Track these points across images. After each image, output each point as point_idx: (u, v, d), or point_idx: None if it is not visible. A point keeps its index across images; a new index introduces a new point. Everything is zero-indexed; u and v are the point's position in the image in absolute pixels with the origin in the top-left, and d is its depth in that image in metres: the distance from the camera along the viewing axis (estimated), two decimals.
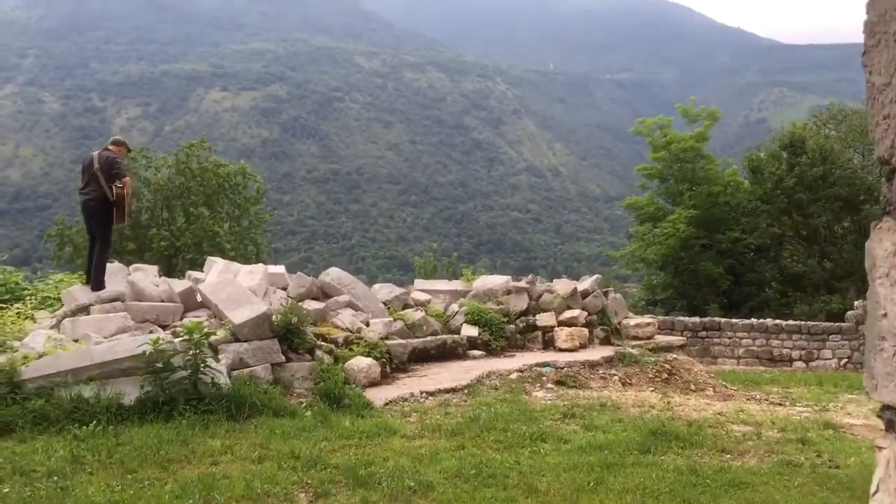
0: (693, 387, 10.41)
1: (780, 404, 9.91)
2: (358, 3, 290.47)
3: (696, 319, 18.58)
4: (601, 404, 7.99)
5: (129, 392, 6.87)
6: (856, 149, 29.86)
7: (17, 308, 9.15)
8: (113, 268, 9.78)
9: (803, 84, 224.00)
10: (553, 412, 7.51)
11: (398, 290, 11.03)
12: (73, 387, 6.77)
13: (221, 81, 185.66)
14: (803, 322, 18.64)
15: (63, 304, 9.07)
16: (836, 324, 18.13)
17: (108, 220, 9.17)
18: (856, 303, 18.38)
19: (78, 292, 8.88)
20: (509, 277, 11.89)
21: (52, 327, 8.22)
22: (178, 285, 9.16)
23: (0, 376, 6.71)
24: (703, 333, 18.12)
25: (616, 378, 9.92)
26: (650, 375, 10.32)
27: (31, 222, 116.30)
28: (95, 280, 9.00)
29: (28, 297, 9.98)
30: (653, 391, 9.70)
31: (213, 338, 7.53)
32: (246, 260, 30.25)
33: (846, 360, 17.50)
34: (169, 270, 29.31)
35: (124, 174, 9.06)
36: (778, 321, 18.55)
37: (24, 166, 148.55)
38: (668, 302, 27.45)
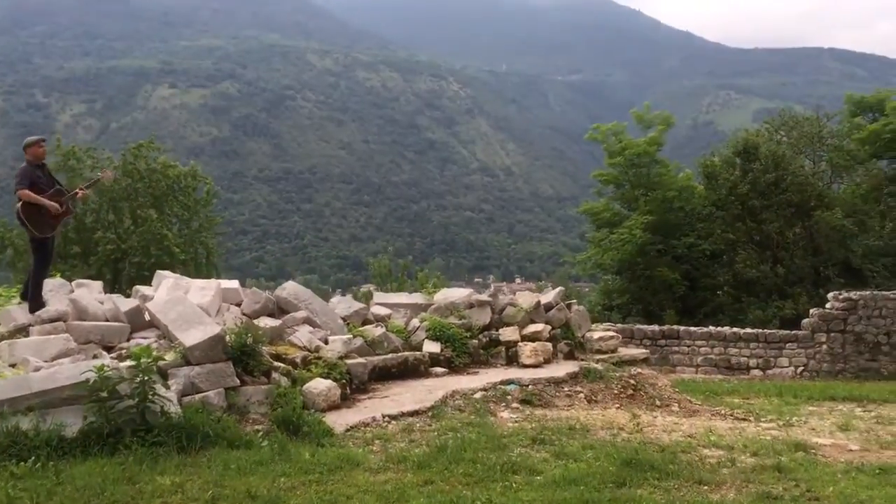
0: (658, 402, 10.26)
1: (746, 420, 9.82)
2: (310, 0, 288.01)
3: (656, 328, 18.59)
4: (570, 427, 7.75)
5: (72, 423, 6.39)
6: (807, 155, 30.37)
7: None
8: (55, 283, 9.21)
9: (749, 87, 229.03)
10: (521, 437, 7.23)
11: (357, 305, 10.65)
12: (11, 418, 6.27)
13: (170, 78, 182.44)
14: (760, 330, 18.77)
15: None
16: (793, 332, 18.29)
17: (31, 238, 8.69)
18: (812, 311, 18.56)
19: (16, 311, 8.31)
20: (471, 290, 11.62)
21: None
22: (125, 303, 8.64)
23: None
24: (663, 342, 18.13)
25: (581, 395, 9.71)
26: (615, 391, 10.14)
27: None
28: (31, 299, 8.44)
29: None
30: (618, 408, 9.53)
31: (162, 362, 7.09)
32: (196, 264, 29.56)
33: (802, 368, 17.66)
34: (116, 274, 28.45)
35: (16, 187, 8.49)
36: (735, 329, 18.66)
37: None
38: (624, 307, 27.52)
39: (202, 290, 9.01)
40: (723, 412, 10.39)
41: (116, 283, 26.72)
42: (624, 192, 29.83)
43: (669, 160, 31.15)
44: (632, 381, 10.46)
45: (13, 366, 7.22)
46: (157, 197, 29.28)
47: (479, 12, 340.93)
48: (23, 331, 7.99)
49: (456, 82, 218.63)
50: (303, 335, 9.01)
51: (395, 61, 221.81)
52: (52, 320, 8.05)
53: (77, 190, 9.33)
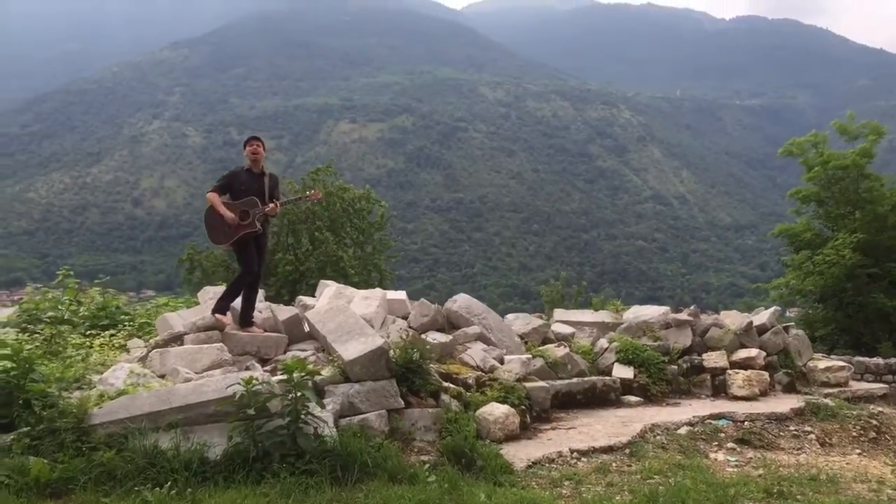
0: None
1: None
2: (481, 34, 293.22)
3: (880, 361, 15.98)
4: (811, 477, 6.11)
5: (216, 443, 5.57)
6: None
7: (110, 334, 8.14)
8: (216, 291, 8.64)
9: None
10: (751, 487, 5.70)
11: (536, 322, 9.38)
12: (151, 434, 5.53)
13: (350, 114, 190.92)
14: None
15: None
16: None
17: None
18: None
19: (173, 318, 7.76)
20: (667, 308, 10.08)
21: (140, 359, 7.10)
22: (283, 312, 7.89)
23: (67, 420, 5.56)
24: (889, 377, 15.53)
25: (812, 437, 7.93)
26: (853, 434, 8.26)
27: (175, 249, 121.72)
28: (218, 299, 7.81)
29: (126, 323, 9.00)
30: (860, 454, 7.70)
31: (318, 377, 6.19)
32: (368, 286, 29.56)
33: None
34: (293, 295, 28.88)
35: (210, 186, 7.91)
36: None
37: (169, 196, 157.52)
38: (828, 338, 24.40)
39: (366, 300, 8.13)
40: None
41: (293, 304, 27.02)
42: (827, 209, 26.69)
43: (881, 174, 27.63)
44: (873, 422, 8.53)
45: (163, 376, 6.56)
46: (333, 220, 29.62)
47: (653, 38, 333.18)
48: (178, 339, 7.38)
49: (628, 110, 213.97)
50: (475, 353, 7.88)
51: (565, 90, 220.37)
52: (208, 328, 7.40)
53: (269, 205, 7.93)
